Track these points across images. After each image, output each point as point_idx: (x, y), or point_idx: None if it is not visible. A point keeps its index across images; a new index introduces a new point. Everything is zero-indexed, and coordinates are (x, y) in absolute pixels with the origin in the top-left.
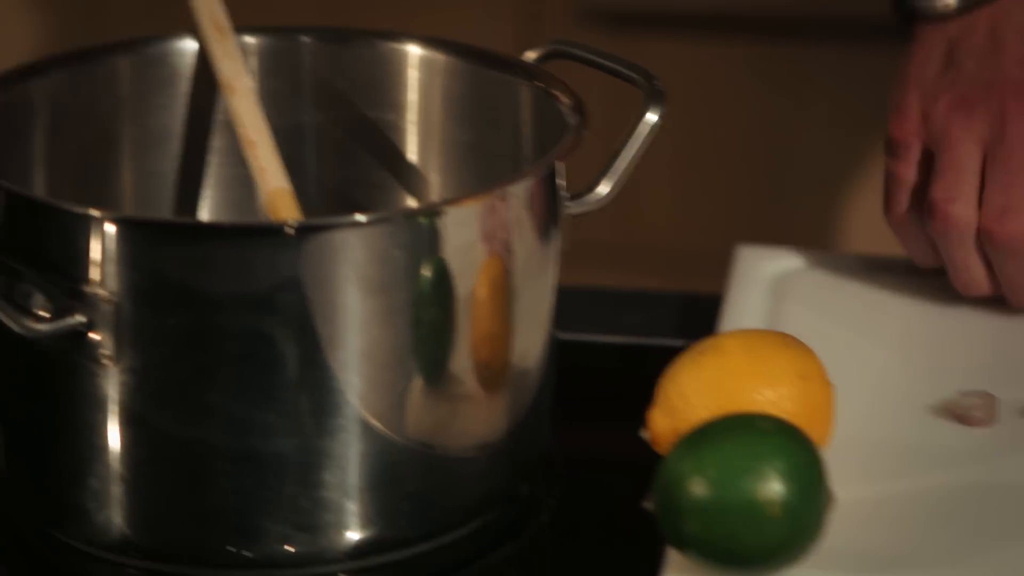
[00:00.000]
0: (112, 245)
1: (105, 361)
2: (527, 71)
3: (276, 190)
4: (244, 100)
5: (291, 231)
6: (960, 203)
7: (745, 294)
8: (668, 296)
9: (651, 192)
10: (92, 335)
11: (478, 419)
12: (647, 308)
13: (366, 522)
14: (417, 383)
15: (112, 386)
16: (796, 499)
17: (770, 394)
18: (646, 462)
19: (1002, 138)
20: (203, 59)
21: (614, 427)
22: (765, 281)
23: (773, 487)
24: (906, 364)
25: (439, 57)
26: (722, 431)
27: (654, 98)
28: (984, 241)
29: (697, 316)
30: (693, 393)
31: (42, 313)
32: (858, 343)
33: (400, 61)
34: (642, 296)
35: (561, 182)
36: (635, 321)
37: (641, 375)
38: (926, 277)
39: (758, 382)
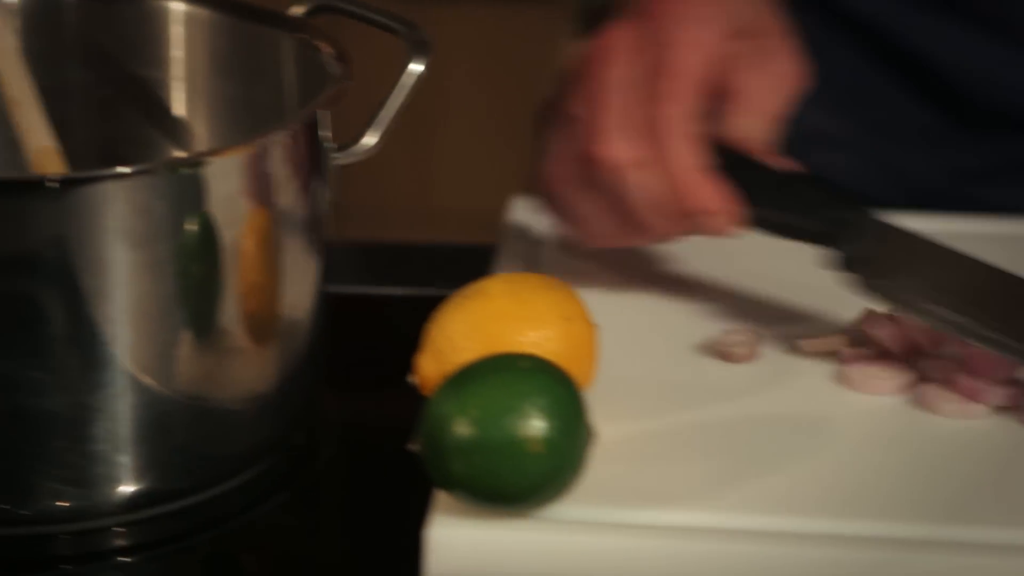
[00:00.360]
0: None
1: None
2: (290, 24)
3: (42, 148)
4: (5, 59)
5: (54, 184)
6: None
7: (516, 242)
8: (445, 248)
9: (446, 150)
10: None
11: (247, 370)
12: (425, 260)
13: (138, 475)
14: (184, 335)
15: None
16: (557, 435)
17: (533, 335)
18: (417, 407)
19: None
20: None
21: (388, 377)
22: (535, 230)
23: (534, 424)
24: (671, 304)
25: (203, 13)
26: (483, 372)
27: (418, 48)
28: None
29: (475, 267)
30: (458, 336)
31: None
32: (624, 285)
33: (164, 18)
34: (420, 249)
35: (326, 133)
36: (412, 272)
37: (418, 326)
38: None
39: (522, 324)
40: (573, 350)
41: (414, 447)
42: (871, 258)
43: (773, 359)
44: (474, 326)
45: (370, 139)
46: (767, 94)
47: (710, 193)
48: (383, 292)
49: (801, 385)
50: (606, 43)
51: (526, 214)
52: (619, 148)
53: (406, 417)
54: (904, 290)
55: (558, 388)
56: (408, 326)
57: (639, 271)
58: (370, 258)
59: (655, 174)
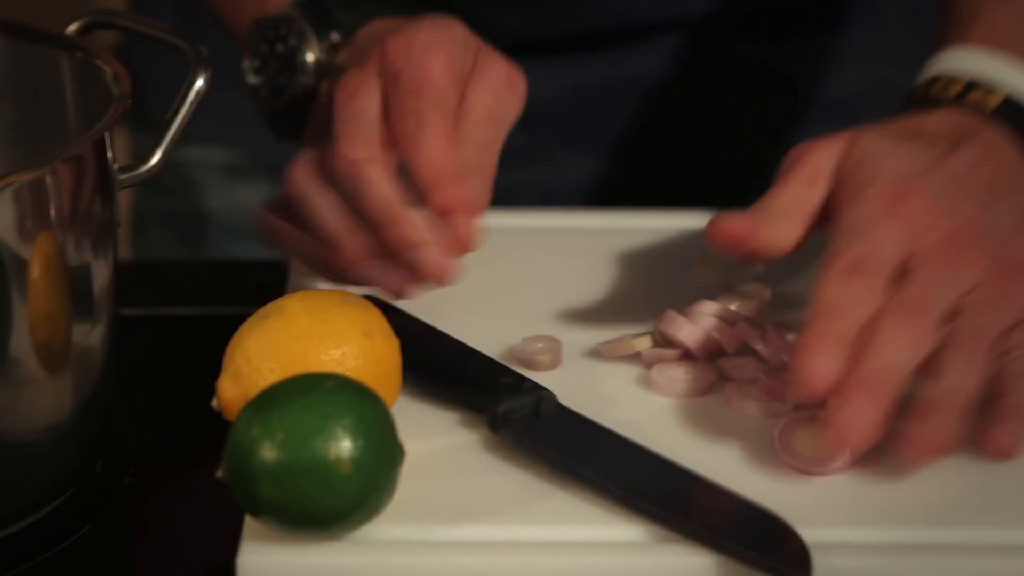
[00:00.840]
0: None
1: None
2: (66, 43)
3: None
4: None
5: None
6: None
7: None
8: (238, 264)
9: None
10: None
11: (42, 401)
12: (218, 277)
13: None
14: None
15: None
16: (366, 455)
17: (335, 353)
18: (221, 432)
19: None
20: None
21: (189, 400)
22: None
23: (342, 444)
24: (473, 314)
25: None
26: (288, 393)
27: (200, 64)
28: None
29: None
30: (259, 358)
31: None
32: (425, 296)
33: None
34: (211, 265)
35: (111, 154)
36: (206, 291)
37: (216, 346)
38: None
39: (323, 342)
40: (376, 366)
41: (221, 474)
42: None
43: (577, 365)
44: (274, 346)
45: (155, 157)
46: (489, 99)
47: (460, 188)
48: (178, 312)
49: (606, 390)
50: (348, 79)
51: None
52: (358, 146)
53: (211, 442)
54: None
55: (364, 406)
56: (206, 346)
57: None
58: (163, 277)
59: (389, 171)
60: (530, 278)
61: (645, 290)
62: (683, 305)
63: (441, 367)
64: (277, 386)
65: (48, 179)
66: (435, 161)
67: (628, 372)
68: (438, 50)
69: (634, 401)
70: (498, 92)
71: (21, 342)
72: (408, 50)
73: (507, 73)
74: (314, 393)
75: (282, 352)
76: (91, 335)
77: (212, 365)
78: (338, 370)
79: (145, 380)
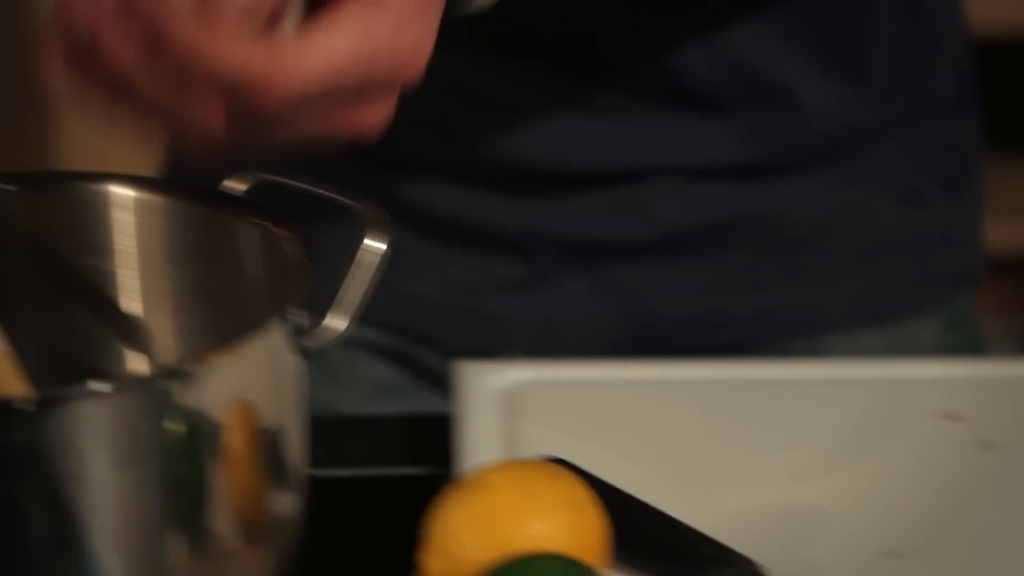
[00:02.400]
0: None
1: None
2: (245, 207)
3: None
4: None
5: (28, 407)
6: None
7: (476, 415)
8: (389, 420)
9: None
10: None
11: (240, 572)
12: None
13: None
14: (174, 543)
15: None
16: None
17: (543, 527)
18: None
19: None
20: None
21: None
22: (493, 398)
23: None
24: (662, 475)
25: (146, 197)
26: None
27: (375, 225)
28: None
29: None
30: (465, 533)
31: None
32: (610, 461)
33: (103, 203)
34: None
35: (298, 323)
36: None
37: (380, 506)
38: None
39: (530, 516)
40: (584, 539)
41: None
42: None
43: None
44: (480, 521)
45: (338, 323)
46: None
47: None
48: (363, 473)
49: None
50: None
51: (476, 380)
52: None
53: None
54: None
55: None
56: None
57: (618, 442)
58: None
59: None
60: (716, 429)
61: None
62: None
63: (642, 537)
64: (505, 566)
65: (239, 355)
66: None
67: None
68: None
69: None
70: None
71: (220, 516)
72: None
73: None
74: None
75: (489, 527)
76: (285, 503)
77: (405, 527)
78: (547, 544)
79: (335, 545)
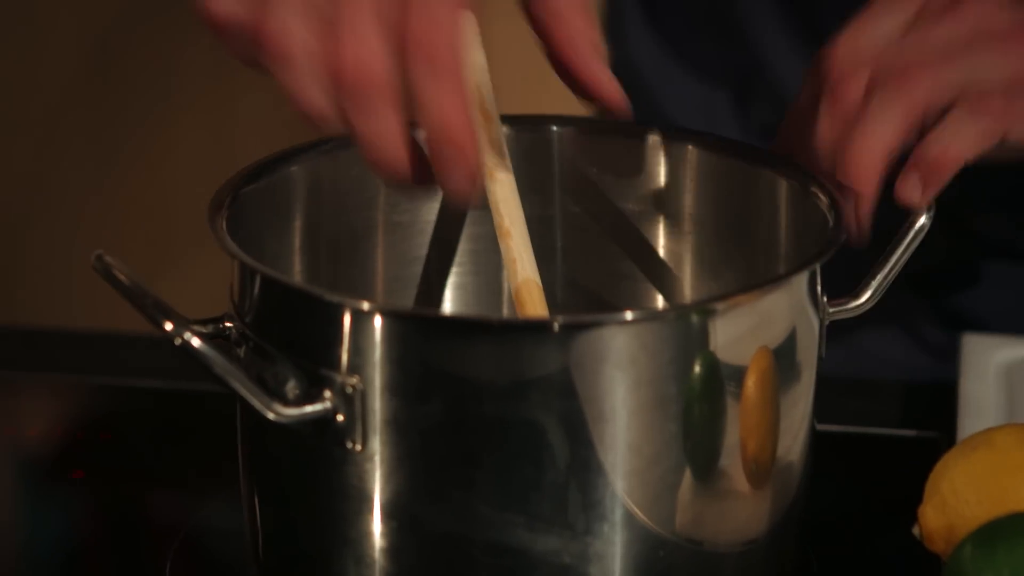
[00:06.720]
0: (372, 335)
1: (355, 448)
2: (783, 165)
3: (526, 281)
4: (504, 189)
5: (559, 328)
6: None
7: (978, 385)
8: (889, 384)
9: None
10: (342, 422)
11: (741, 514)
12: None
13: None
14: (685, 478)
15: (363, 476)
16: None
17: None
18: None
19: None
20: None
21: (872, 523)
22: (996, 370)
23: None
24: None
25: (688, 148)
26: (1016, 532)
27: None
28: None
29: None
30: (967, 488)
31: (291, 398)
32: None
33: (655, 154)
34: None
35: (820, 287)
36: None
37: (876, 463)
38: None
39: None
40: None
41: None
42: None
43: None
44: (982, 478)
45: (867, 295)
46: None
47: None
48: (867, 431)
49: None
50: None
51: (982, 352)
52: None
53: (898, 568)
54: None
55: None
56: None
57: None
58: None
59: None
60: None
61: None
62: None
63: None
64: (1001, 521)
65: (766, 299)
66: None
67: None
68: None
69: None
70: None
71: (730, 455)
72: None
73: None
74: None
75: (991, 485)
76: (791, 451)
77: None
78: None
79: (826, 498)
